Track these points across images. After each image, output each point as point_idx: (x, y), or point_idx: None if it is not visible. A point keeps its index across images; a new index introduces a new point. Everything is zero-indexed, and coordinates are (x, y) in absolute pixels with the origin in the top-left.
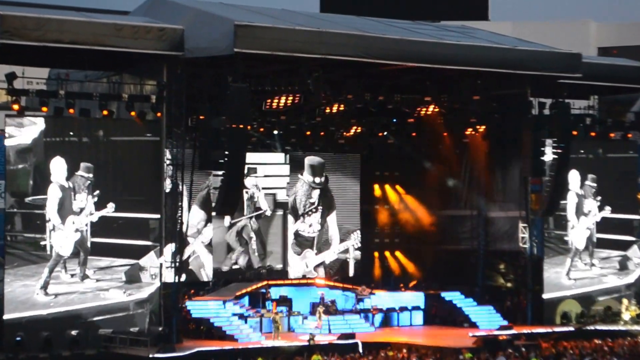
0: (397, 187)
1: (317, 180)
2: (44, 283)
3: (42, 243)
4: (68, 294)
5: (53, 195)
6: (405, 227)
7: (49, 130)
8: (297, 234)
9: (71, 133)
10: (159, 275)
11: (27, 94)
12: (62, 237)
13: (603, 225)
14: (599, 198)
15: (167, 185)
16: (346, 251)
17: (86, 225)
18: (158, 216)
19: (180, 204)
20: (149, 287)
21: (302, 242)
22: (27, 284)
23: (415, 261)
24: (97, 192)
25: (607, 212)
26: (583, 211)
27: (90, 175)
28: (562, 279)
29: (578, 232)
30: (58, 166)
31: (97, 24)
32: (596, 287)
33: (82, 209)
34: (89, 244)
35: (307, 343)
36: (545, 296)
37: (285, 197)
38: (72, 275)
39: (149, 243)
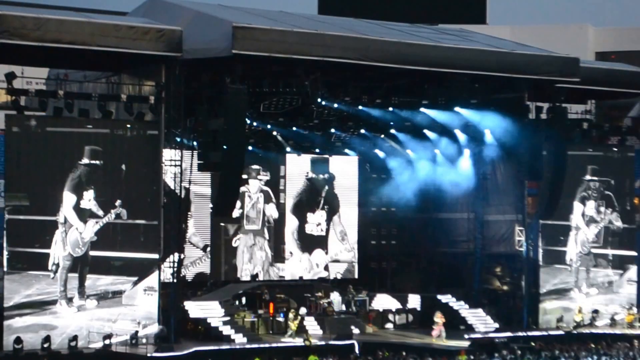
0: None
1: (326, 175)
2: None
3: None
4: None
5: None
6: (403, 229)
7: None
8: (303, 234)
9: (70, 131)
10: (158, 276)
11: (26, 93)
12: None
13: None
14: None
15: (166, 187)
16: (344, 253)
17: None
18: (156, 222)
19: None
20: None
21: (308, 242)
22: None
23: (412, 263)
24: (119, 202)
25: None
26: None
27: (98, 162)
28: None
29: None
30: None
31: (96, 24)
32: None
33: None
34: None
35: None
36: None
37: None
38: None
39: (154, 256)
